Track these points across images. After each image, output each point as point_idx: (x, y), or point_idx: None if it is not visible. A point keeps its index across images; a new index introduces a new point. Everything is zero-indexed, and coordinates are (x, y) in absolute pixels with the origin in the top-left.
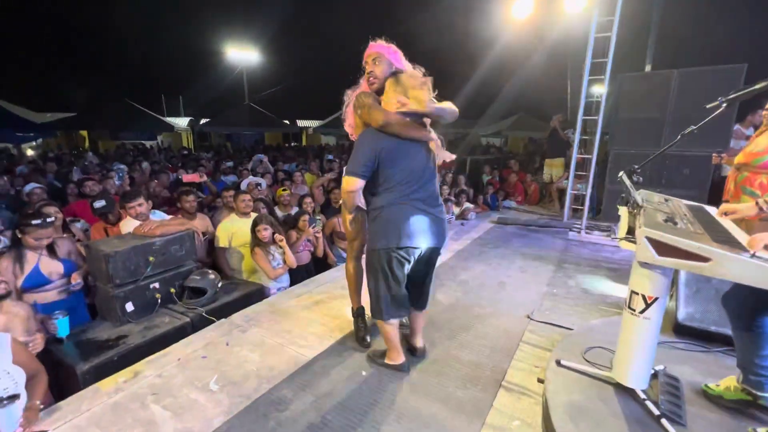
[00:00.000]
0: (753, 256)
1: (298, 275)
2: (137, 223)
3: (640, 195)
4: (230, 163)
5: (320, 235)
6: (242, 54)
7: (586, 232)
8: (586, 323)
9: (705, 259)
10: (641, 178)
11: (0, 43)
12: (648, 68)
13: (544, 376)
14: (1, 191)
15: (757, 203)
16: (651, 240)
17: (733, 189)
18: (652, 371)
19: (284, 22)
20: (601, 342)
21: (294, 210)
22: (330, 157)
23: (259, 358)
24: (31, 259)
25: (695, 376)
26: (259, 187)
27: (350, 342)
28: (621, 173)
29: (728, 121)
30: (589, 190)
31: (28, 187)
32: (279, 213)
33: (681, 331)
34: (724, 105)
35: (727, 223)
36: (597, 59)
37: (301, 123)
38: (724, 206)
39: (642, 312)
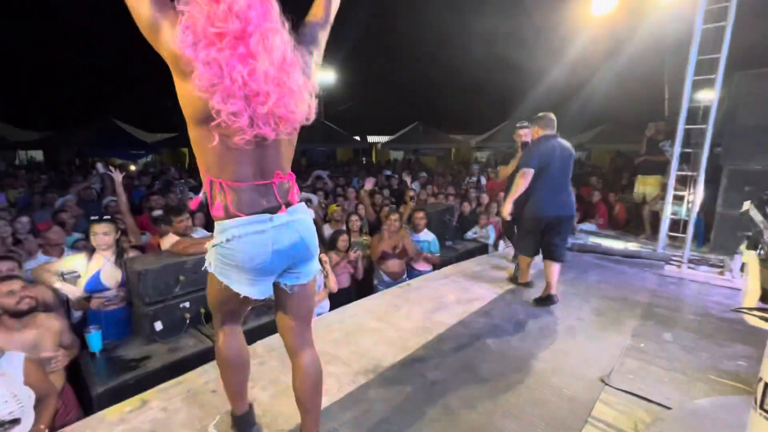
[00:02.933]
0: None
1: (336, 300)
2: (177, 239)
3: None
4: None
5: (359, 259)
6: (321, 73)
7: (689, 267)
8: (688, 401)
9: None
10: None
11: (118, 73)
12: None
13: None
14: (87, 198)
15: None
16: None
17: None
18: None
19: (357, 39)
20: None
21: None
22: (388, 172)
23: (268, 399)
24: (96, 263)
25: None
26: (309, 203)
27: (372, 392)
28: (748, 203)
29: None
30: (694, 215)
31: (105, 200)
32: (329, 230)
33: None
34: None
35: None
36: (704, 55)
37: (371, 138)
38: None
39: None
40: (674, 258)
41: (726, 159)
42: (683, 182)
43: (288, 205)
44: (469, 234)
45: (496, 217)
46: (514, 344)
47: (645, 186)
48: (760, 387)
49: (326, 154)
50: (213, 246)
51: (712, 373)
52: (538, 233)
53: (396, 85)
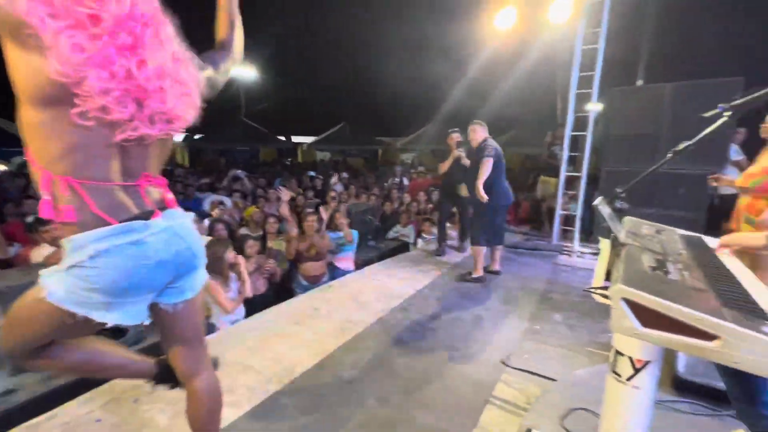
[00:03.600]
0: None
1: (253, 307)
2: (52, 250)
3: (626, 226)
4: (206, 180)
5: (270, 266)
6: (240, 68)
7: (578, 256)
8: (569, 373)
9: (710, 337)
10: (627, 204)
11: None
12: (640, 83)
13: None
14: None
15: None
16: (631, 303)
17: (736, 216)
18: None
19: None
20: (587, 400)
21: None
22: (312, 173)
23: (167, 421)
24: None
25: None
26: (221, 206)
27: (285, 398)
28: (600, 198)
29: (725, 137)
30: (580, 211)
31: None
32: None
33: (682, 387)
34: (726, 114)
35: (736, 266)
36: (585, 72)
37: (296, 139)
38: (725, 238)
39: (630, 379)
40: (565, 248)
41: (604, 162)
42: (571, 182)
43: (162, 208)
44: (391, 233)
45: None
46: (429, 336)
47: (545, 185)
48: (612, 354)
49: (248, 155)
50: (68, 269)
51: (591, 347)
52: (494, 221)
53: (323, 85)
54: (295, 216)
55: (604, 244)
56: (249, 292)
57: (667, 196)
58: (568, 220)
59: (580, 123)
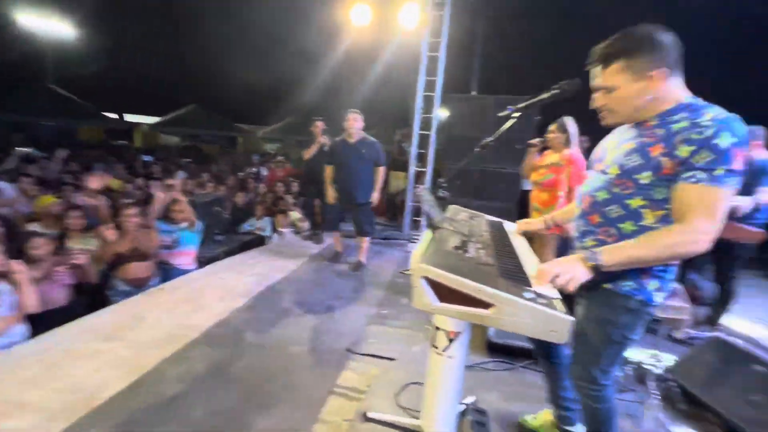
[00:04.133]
0: (535, 297)
1: (45, 323)
2: None
3: (448, 212)
4: None
5: (81, 261)
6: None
7: None
8: (408, 351)
9: (487, 305)
10: (448, 193)
11: None
12: (474, 92)
13: None
14: None
15: (544, 219)
16: (429, 281)
17: (531, 205)
18: (463, 407)
19: None
20: (420, 374)
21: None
22: (147, 158)
23: None
24: None
25: (504, 404)
26: None
27: None
28: (422, 188)
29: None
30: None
31: None
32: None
33: (492, 349)
34: (515, 115)
35: (522, 245)
36: (430, 77)
37: (131, 117)
38: (519, 223)
39: (445, 350)
40: (415, 237)
41: (445, 159)
42: (420, 177)
43: None
44: (245, 226)
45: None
46: (275, 334)
47: (397, 180)
48: (432, 329)
49: (57, 132)
50: None
51: (428, 324)
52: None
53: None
54: (111, 210)
55: (427, 231)
56: (32, 306)
57: (491, 190)
58: (418, 212)
59: (427, 123)
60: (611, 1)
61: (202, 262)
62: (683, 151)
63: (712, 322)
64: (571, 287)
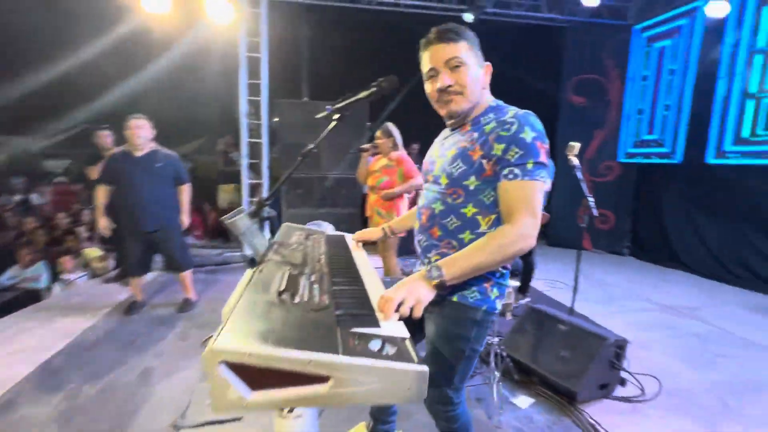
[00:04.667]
0: (382, 346)
1: None
2: None
3: (279, 235)
4: None
5: None
6: None
7: None
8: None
9: (323, 379)
10: (274, 211)
11: None
12: (306, 98)
13: None
14: None
15: (383, 229)
16: (233, 365)
17: (370, 210)
18: None
19: None
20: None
21: None
22: None
23: None
24: None
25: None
26: None
27: None
28: (236, 214)
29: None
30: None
31: None
32: None
33: None
34: (334, 117)
35: (364, 263)
36: (254, 80)
37: None
38: (356, 235)
39: (290, 411)
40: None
41: (283, 168)
42: (256, 189)
43: None
44: (3, 279)
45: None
46: (77, 405)
47: (226, 194)
48: None
49: None
50: None
51: None
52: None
53: None
54: None
55: (247, 272)
56: None
57: (334, 196)
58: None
59: (257, 130)
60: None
61: None
62: (497, 149)
63: (522, 291)
64: (418, 312)
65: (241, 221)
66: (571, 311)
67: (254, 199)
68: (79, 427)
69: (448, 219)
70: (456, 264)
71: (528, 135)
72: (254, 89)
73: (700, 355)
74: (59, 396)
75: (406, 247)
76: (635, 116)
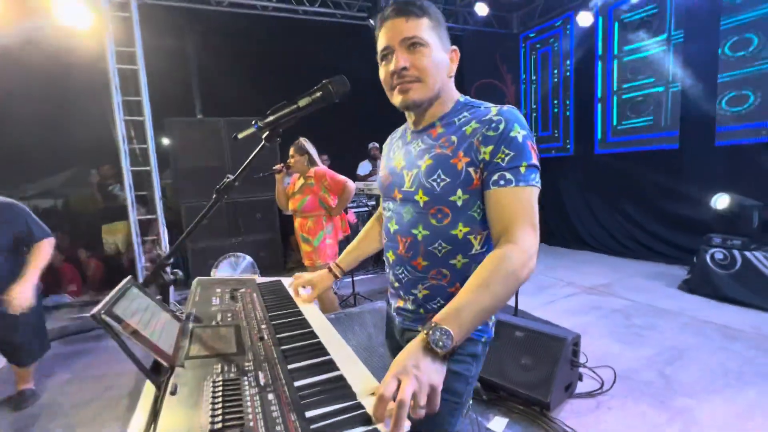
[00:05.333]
0: None
1: None
2: None
3: (191, 297)
4: None
5: None
6: None
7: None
8: None
9: None
10: (179, 272)
11: None
12: (200, 116)
13: None
14: None
15: (330, 270)
16: None
17: (296, 235)
18: None
19: None
20: None
21: None
22: None
23: None
24: None
25: None
26: None
27: None
28: (128, 282)
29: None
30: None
31: None
32: None
33: None
34: (262, 133)
35: (312, 315)
36: (133, 97)
37: None
38: (296, 279)
39: None
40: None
41: (181, 198)
42: (149, 226)
43: None
44: None
45: None
46: None
47: (114, 235)
48: None
49: None
50: None
51: None
52: None
53: None
54: None
55: (146, 388)
56: None
57: (247, 222)
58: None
59: (144, 157)
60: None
61: None
62: (484, 152)
63: None
64: (436, 405)
65: (138, 301)
66: (516, 312)
67: (162, 258)
68: None
69: (436, 245)
70: (462, 317)
71: (518, 134)
72: (134, 107)
73: (628, 331)
74: None
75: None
76: (530, 116)
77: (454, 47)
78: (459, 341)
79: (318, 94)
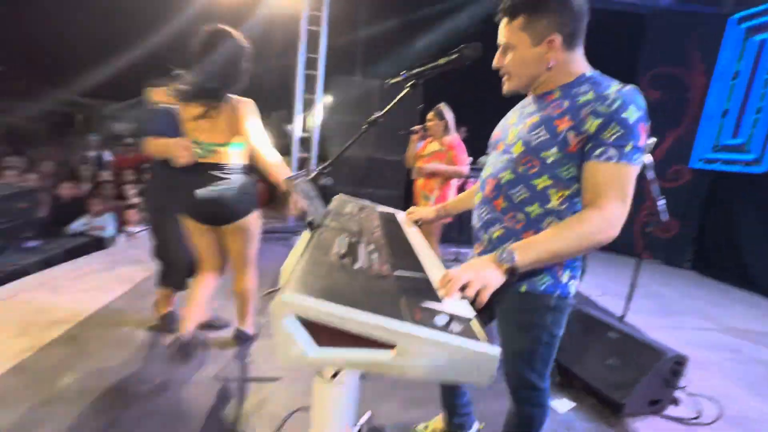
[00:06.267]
0: (448, 322)
1: None
2: None
3: (333, 204)
4: None
5: None
6: None
7: None
8: (292, 369)
9: (388, 346)
10: (332, 180)
11: None
12: (358, 75)
13: None
14: None
15: (436, 209)
16: (301, 318)
17: (416, 194)
18: (357, 429)
19: None
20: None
21: None
22: None
23: None
24: None
25: (402, 413)
26: None
27: None
28: (298, 176)
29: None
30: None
31: None
32: None
33: None
34: (408, 84)
35: (419, 241)
36: (312, 54)
37: None
38: (409, 211)
39: (334, 376)
40: (300, 229)
41: (329, 144)
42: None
43: None
44: (75, 226)
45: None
46: (110, 370)
47: None
48: None
49: None
50: None
51: None
52: None
53: None
54: None
55: (305, 233)
56: None
57: (377, 178)
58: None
59: (310, 105)
60: None
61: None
62: (591, 125)
63: None
64: (484, 298)
65: (302, 185)
66: (621, 320)
67: (323, 166)
68: (135, 362)
69: (516, 190)
70: (531, 249)
71: (632, 115)
72: (311, 64)
73: (766, 384)
74: (117, 335)
75: (448, 234)
76: (718, 118)
77: (551, 37)
78: (522, 265)
79: (454, 55)
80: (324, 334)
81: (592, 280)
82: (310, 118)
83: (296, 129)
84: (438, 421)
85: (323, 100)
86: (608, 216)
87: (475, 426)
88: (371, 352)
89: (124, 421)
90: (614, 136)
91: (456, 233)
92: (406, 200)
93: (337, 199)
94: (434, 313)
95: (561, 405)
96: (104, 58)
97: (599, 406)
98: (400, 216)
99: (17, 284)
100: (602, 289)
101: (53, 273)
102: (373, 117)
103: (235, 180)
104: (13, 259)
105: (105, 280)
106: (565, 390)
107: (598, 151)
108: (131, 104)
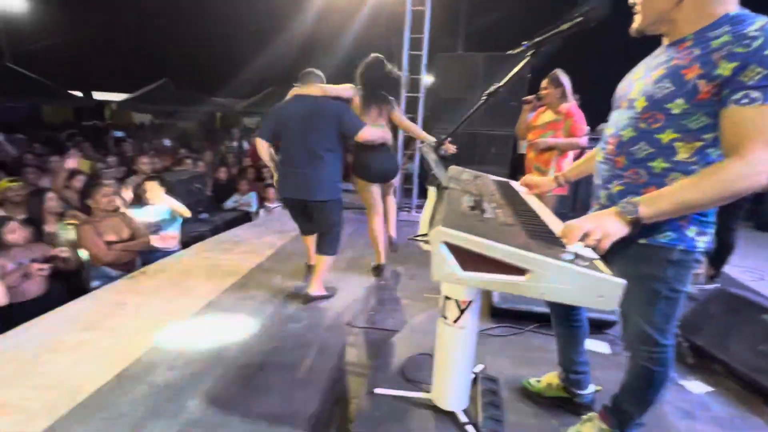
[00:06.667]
0: (574, 258)
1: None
2: None
3: (449, 173)
4: None
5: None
6: None
7: (416, 211)
8: (409, 322)
9: (522, 272)
10: (453, 147)
11: None
12: (460, 50)
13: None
14: None
15: (555, 178)
16: (450, 246)
17: (528, 165)
18: (473, 375)
19: None
20: (424, 345)
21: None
22: (119, 134)
23: None
24: None
25: (512, 369)
26: None
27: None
28: (422, 144)
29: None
30: (416, 169)
31: None
32: None
33: (497, 314)
34: (529, 53)
35: (537, 203)
36: (415, 35)
37: (100, 95)
38: (525, 179)
39: (456, 320)
40: (405, 204)
41: (433, 122)
42: (409, 143)
43: None
44: (229, 203)
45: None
46: (269, 311)
47: None
48: (441, 299)
49: (25, 113)
50: None
51: (426, 293)
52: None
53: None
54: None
55: (431, 192)
56: (3, 299)
57: (483, 153)
58: (407, 179)
59: (414, 85)
60: None
61: (186, 242)
62: (725, 69)
63: (711, 275)
64: (605, 246)
65: (427, 151)
66: None
67: (443, 137)
68: (286, 307)
69: (638, 146)
70: (658, 201)
71: None
72: (414, 44)
73: None
74: (270, 286)
75: (558, 210)
76: None
77: None
78: (645, 216)
79: (578, 19)
80: (468, 261)
81: (745, 262)
82: (415, 98)
83: (402, 109)
84: (552, 376)
85: (426, 79)
86: (750, 162)
87: (592, 387)
88: (507, 277)
89: (281, 351)
90: (756, 77)
91: (569, 209)
92: (512, 177)
93: (453, 169)
94: (561, 251)
95: (693, 386)
96: (233, 62)
97: (743, 392)
98: (514, 183)
99: (199, 246)
100: (759, 273)
101: (219, 238)
102: (492, 88)
103: None
104: (195, 227)
105: (256, 246)
106: (699, 373)
107: (738, 95)
108: (256, 102)
